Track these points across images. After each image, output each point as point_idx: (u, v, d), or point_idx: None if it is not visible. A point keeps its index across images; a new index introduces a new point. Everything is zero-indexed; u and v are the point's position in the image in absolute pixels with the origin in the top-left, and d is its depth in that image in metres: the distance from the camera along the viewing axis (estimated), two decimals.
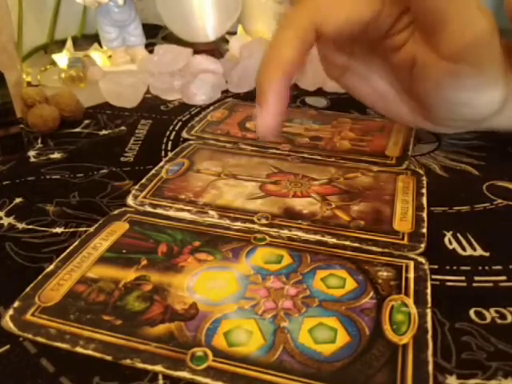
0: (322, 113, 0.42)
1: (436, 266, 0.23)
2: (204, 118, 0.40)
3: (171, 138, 0.37)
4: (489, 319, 0.20)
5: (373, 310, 0.20)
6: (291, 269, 0.22)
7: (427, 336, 0.18)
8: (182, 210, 0.27)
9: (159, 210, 0.27)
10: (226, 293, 0.21)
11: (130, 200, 0.28)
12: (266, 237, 0.25)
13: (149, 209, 0.27)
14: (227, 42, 0.58)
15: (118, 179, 0.31)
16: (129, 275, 0.22)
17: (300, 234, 0.25)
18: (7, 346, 0.18)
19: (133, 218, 0.26)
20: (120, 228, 0.25)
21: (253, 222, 0.26)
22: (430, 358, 0.18)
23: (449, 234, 0.25)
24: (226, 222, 0.26)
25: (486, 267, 0.23)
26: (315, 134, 0.37)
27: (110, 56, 0.55)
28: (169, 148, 0.35)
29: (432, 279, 0.22)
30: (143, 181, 0.30)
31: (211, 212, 0.27)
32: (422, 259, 0.23)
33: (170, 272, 0.22)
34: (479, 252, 0.24)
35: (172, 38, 0.61)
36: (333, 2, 0.25)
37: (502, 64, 0.26)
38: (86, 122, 0.40)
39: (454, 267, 0.23)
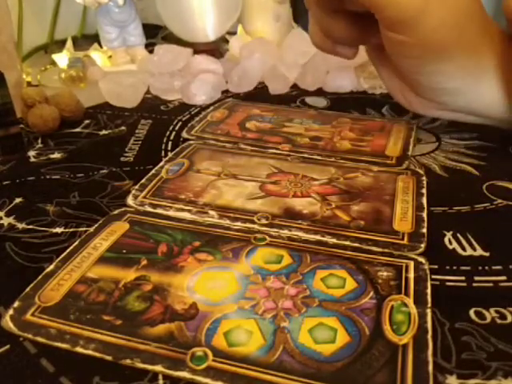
0: (322, 113, 0.42)
1: (436, 266, 0.23)
2: (204, 118, 0.40)
3: (171, 138, 0.37)
4: (489, 319, 0.20)
5: (373, 310, 0.20)
6: (291, 269, 0.22)
7: (427, 336, 0.18)
8: (182, 210, 0.27)
9: (159, 210, 0.27)
10: (226, 293, 0.21)
11: (129, 200, 0.28)
12: (266, 237, 0.25)
13: (149, 209, 0.27)
14: (227, 42, 0.58)
15: (118, 179, 0.31)
16: (129, 275, 0.22)
17: (300, 233, 0.25)
18: (7, 346, 0.18)
19: (133, 218, 0.26)
20: (120, 228, 0.25)
21: (253, 221, 0.26)
22: (430, 358, 0.18)
23: (449, 234, 0.25)
24: (226, 222, 0.26)
25: (486, 267, 0.23)
26: (315, 134, 0.37)
27: (110, 56, 0.55)
28: (169, 148, 0.35)
29: (432, 279, 0.22)
30: (143, 181, 0.30)
31: (211, 212, 0.27)
32: (422, 259, 0.23)
33: (169, 272, 0.22)
34: (479, 252, 0.24)
35: (172, 38, 0.61)
36: None
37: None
38: (86, 121, 0.40)
39: (454, 267, 0.23)
